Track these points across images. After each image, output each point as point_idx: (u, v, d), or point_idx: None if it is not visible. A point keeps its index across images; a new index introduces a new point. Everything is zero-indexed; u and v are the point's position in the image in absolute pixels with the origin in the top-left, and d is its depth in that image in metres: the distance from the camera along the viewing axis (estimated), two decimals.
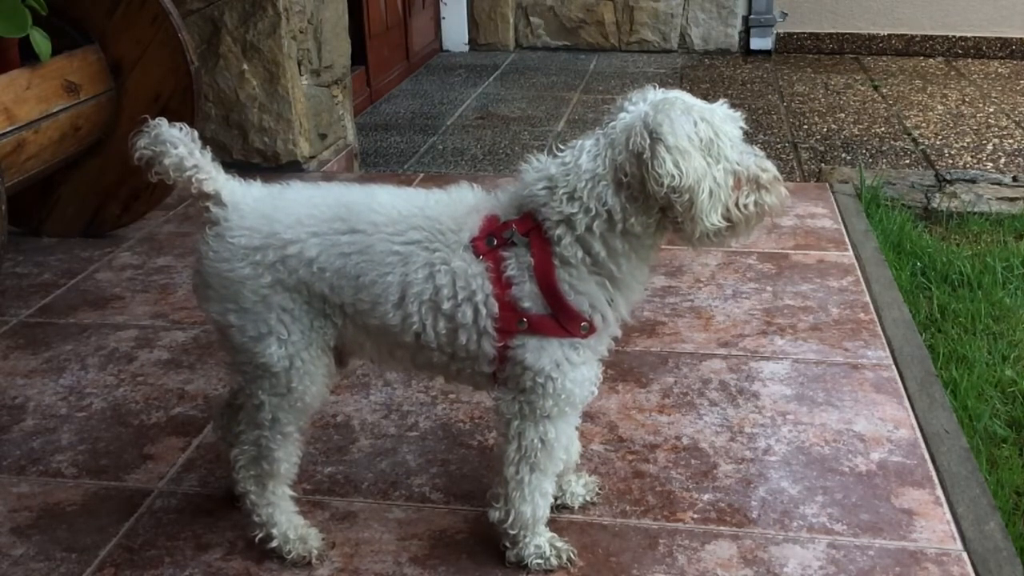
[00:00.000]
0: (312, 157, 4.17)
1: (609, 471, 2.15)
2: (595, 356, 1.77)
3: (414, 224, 1.73)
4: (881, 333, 2.75)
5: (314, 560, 1.89)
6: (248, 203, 1.79)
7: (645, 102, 1.66)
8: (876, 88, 6.19)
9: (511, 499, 1.81)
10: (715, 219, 1.62)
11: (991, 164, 4.74)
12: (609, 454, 2.22)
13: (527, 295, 1.68)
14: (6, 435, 2.34)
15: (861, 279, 3.08)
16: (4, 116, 2.85)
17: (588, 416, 2.36)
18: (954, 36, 7.05)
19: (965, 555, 1.89)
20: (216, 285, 1.76)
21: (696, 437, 2.27)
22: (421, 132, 5.28)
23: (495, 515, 1.84)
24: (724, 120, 1.65)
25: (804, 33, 7.23)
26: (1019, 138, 5.14)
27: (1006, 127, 5.34)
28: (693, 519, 2.00)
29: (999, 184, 4.27)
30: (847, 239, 3.39)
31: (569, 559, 1.87)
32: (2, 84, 2.88)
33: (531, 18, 7.32)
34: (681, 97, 1.65)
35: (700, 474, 2.14)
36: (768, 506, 2.04)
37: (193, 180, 1.76)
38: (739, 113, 1.69)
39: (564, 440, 1.81)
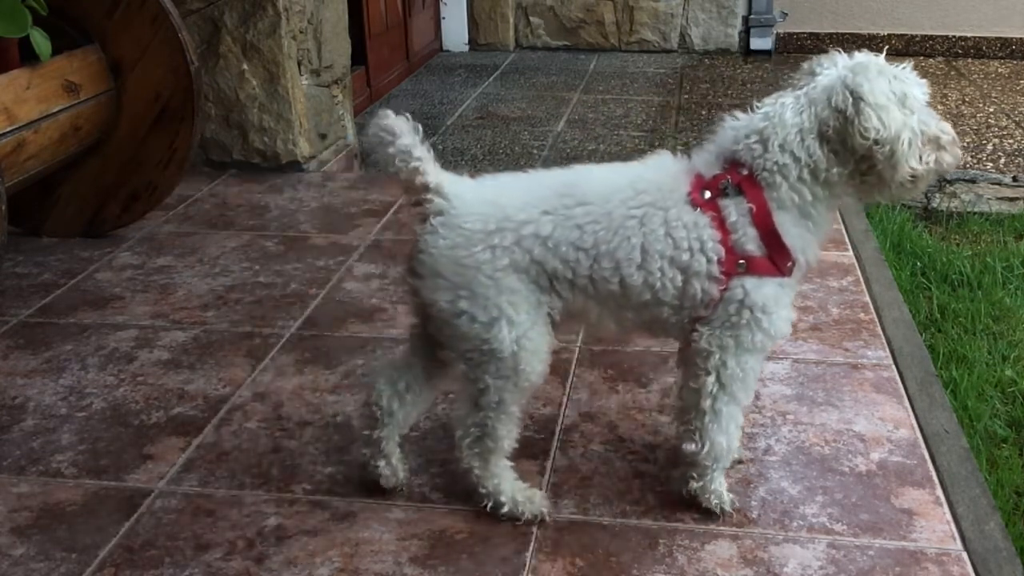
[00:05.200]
0: (312, 157, 4.17)
1: (609, 471, 2.15)
2: (792, 294, 1.90)
3: (641, 188, 1.84)
4: (881, 333, 2.75)
5: (547, 517, 1.97)
6: (469, 192, 1.86)
7: (838, 66, 1.80)
8: None
9: (707, 430, 1.91)
10: (914, 163, 1.76)
11: (991, 164, 4.74)
12: (609, 454, 2.22)
13: (750, 239, 1.82)
14: (6, 435, 2.34)
15: (861, 279, 3.08)
16: (4, 116, 2.85)
17: (588, 416, 2.36)
18: (954, 36, 7.05)
19: (965, 555, 1.89)
20: (448, 273, 1.81)
21: None
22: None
23: (690, 447, 1.94)
24: (913, 83, 1.79)
25: (804, 33, 7.23)
26: (1019, 138, 5.14)
27: (1006, 127, 5.34)
28: (693, 519, 2.00)
29: (999, 184, 4.27)
30: (847, 239, 3.39)
31: (734, 508, 2.00)
32: (2, 84, 2.88)
33: (531, 18, 7.32)
34: (873, 59, 1.80)
35: None
36: (768, 506, 2.04)
37: (418, 171, 1.83)
38: (925, 80, 1.83)
39: (759, 372, 1.93)
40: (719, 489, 1.98)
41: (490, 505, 1.97)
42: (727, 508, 1.99)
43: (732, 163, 1.84)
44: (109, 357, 2.69)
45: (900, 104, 1.75)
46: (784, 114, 1.80)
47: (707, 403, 1.90)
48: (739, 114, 1.88)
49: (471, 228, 1.81)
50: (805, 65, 1.88)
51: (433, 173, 1.85)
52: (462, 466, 1.97)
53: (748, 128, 1.83)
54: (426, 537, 1.96)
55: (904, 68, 1.81)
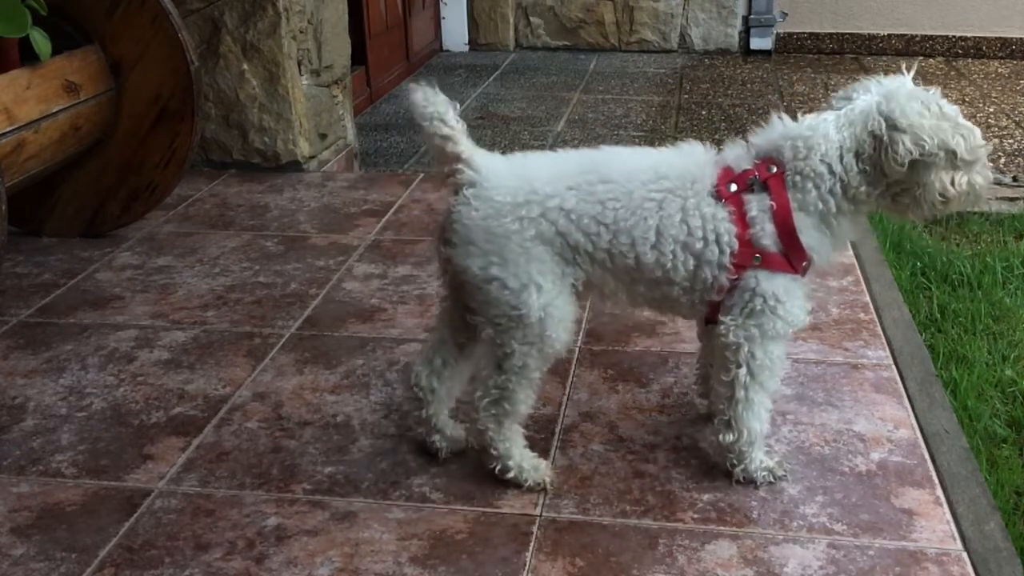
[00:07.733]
0: (312, 157, 4.17)
1: (609, 471, 2.15)
2: (806, 287, 1.99)
3: (663, 173, 1.93)
4: (881, 333, 2.75)
5: (548, 487, 2.06)
6: (500, 166, 1.96)
7: (871, 92, 1.89)
8: None
9: (742, 419, 2.01)
10: (947, 184, 1.86)
11: (991, 164, 4.73)
12: (609, 454, 2.22)
13: (767, 235, 1.91)
14: (6, 435, 2.34)
15: (861, 279, 3.08)
16: (4, 116, 2.85)
17: (588, 416, 2.36)
18: (954, 36, 7.06)
19: (965, 555, 1.89)
20: (480, 241, 1.90)
21: (696, 437, 2.27)
22: (421, 132, 5.28)
23: (727, 438, 2.03)
24: (945, 107, 1.87)
25: (804, 33, 7.23)
26: (1019, 138, 5.14)
27: (1006, 127, 5.34)
28: (693, 519, 2.00)
29: (999, 184, 4.27)
30: None
31: (785, 471, 2.10)
32: (2, 84, 2.88)
33: (531, 18, 7.32)
34: (905, 84, 1.89)
35: (700, 474, 2.14)
36: (768, 506, 2.04)
37: (450, 139, 1.93)
38: (956, 106, 1.90)
39: (784, 358, 2.02)
40: (762, 463, 2.07)
41: (498, 467, 2.04)
42: (779, 473, 2.08)
43: (764, 160, 1.93)
44: (109, 357, 2.69)
45: (938, 117, 1.84)
46: (828, 129, 1.89)
47: (741, 393, 1.99)
48: (785, 117, 1.96)
49: (501, 200, 1.90)
50: (841, 91, 1.97)
51: (466, 146, 1.94)
52: (477, 427, 2.04)
53: (795, 132, 1.91)
54: (426, 537, 1.96)
55: (933, 92, 1.89)
